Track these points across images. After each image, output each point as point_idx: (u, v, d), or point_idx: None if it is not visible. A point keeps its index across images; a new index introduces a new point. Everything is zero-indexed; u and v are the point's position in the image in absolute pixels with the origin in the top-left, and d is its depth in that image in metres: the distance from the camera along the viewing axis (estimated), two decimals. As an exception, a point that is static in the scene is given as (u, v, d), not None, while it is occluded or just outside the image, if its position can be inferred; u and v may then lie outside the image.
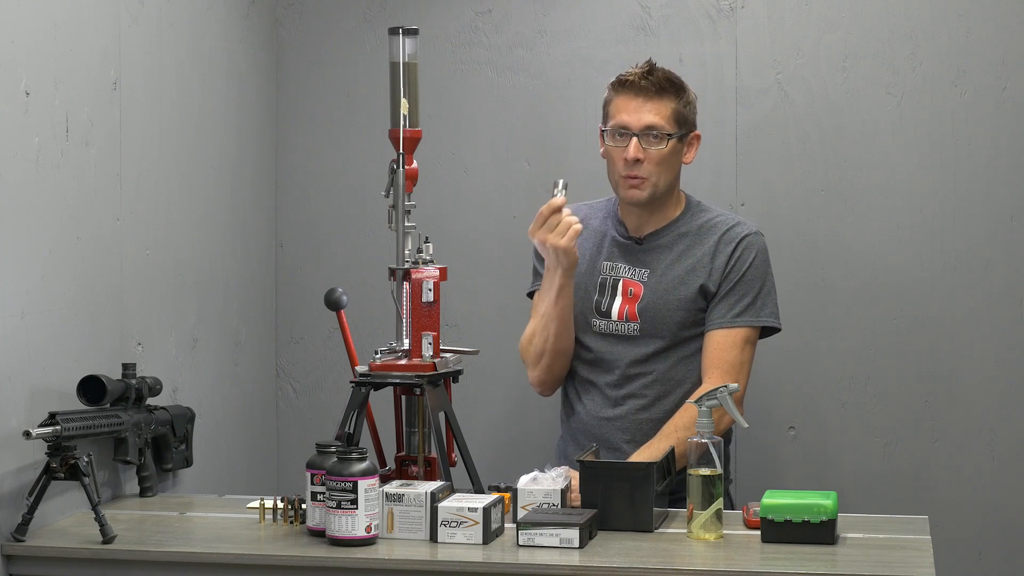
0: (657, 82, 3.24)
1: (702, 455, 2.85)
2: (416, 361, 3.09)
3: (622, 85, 3.26)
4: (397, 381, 3.09)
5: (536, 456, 3.51)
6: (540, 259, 3.37)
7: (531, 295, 3.42)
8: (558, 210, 3.18)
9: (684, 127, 3.26)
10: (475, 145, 4.01)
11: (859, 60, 3.82)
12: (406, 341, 3.11)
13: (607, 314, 3.31)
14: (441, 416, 3.10)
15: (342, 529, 2.77)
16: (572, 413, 3.37)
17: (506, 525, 2.89)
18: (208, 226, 3.70)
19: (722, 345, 3.24)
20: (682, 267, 3.28)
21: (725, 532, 2.86)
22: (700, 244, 3.29)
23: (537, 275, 3.39)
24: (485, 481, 3.14)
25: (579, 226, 3.19)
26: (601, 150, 3.32)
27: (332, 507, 2.78)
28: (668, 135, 3.23)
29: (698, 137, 3.32)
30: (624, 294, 3.30)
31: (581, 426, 3.34)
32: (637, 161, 3.22)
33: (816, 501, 2.79)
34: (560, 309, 3.26)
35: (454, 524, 2.79)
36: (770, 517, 2.80)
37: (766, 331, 3.31)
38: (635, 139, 3.22)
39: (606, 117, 3.29)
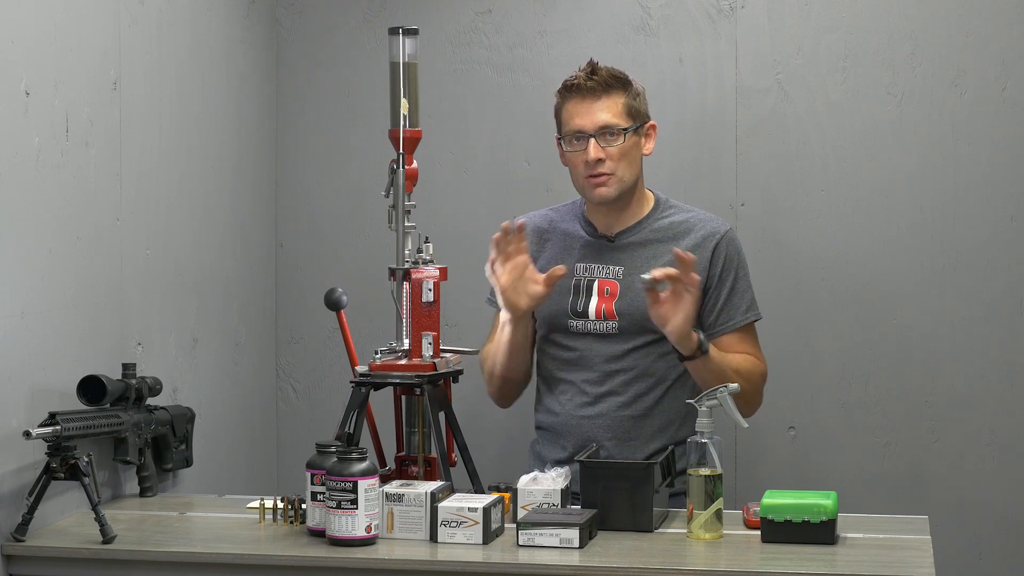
0: (603, 80, 3.25)
1: (702, 455, 2.85)
2: (416, 361, 3.09)
3: (569, 90, 3.27)
4: (397, 381, 3.09)
5: (536, 456, 3.51)
6: None
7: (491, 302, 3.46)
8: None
9: (638, 119, 3.27)
10: (475, 145, 4.01)
11: (859, 60, 3.82)
12: (406, 341, 3.11)
13: (584, 314, 3.30)
14: (441, 416, 3.11)
15: (342, 529, 2.77)
16: (550, 414, 3.36)
17: (506, 525, 2.89)
18: (208, 226, 3.70)
19: (743, 338, 3.29)
20: (659, 265, 3.26)
21: (725, 532, 2.86)
22: (675, 241, 3.28)
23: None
24: (485, 481, 3.14)
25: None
26: (562, 158, 3.33)
27: (332, 507, 2.78)
28: (624, 130, 3.23)
29: (654, 127, 3.32)
30: (600, 293, 3.30)
31: (560, 426, 3.32)
32: (599, 160, 3.23)
33: (816, 501, 2.80)
34: (509, 343, 3.31)
35: (454, 524, 2.79)
36: (770, 517, 2.80)
37: None
38: (592, 140, 3.23)
39: (560, 125, 3.30)
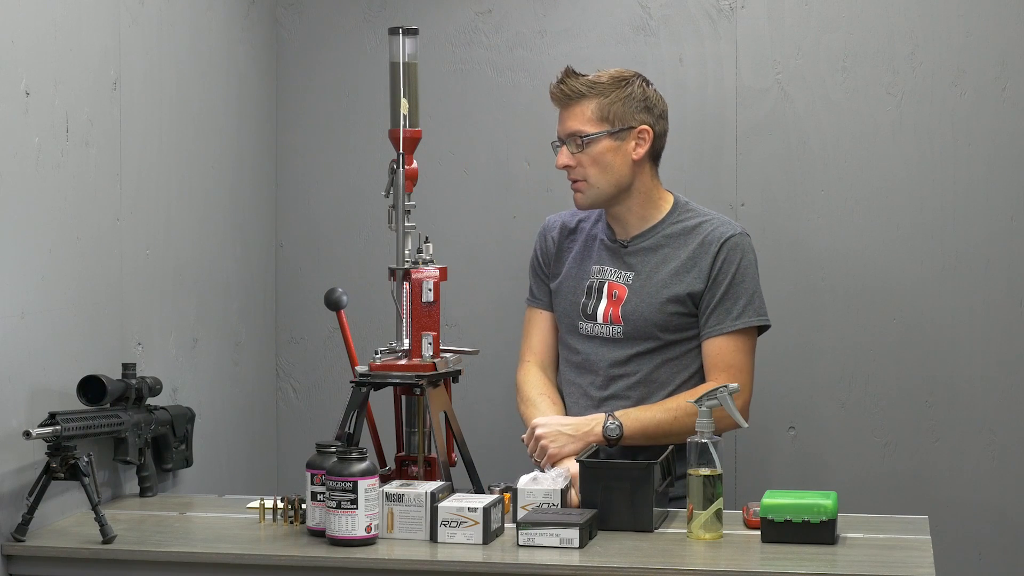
0: (570, 89, 3.23)
1: (702, 455, 2.85)
2: (416, 361, 3.09)
3: (551, 97, 3.28)
4: (397, 381, 3.09)
5: (536, 456, 3.51)
6: (535, 276, 3.42)
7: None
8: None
9: (618, 123, 3.23)
10: (475, 145, 4.01)
11: (859, 60, 3.82)
12: (406, 341, 3.11)
13: (592, 317, 3.30)
14: (441, 416, 3.11)
15: (342, 529, 2.77)
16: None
17: (506, 525, 2.89)
18: (208, 226, 3.70)
19: (724, 350, 3.23)
20: (666, 270, 3.26)
21: (725, 532, 2.86)
22: (684, 247, 3.27)
23: (532, 286, 3.44)
24: (485, 481, 3.14)
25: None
26: None
27: (332, 507, 2.78)
28: (585, 137, 3.21)
29: (646, 131, 3.25)
30: (609, 296, 3.30)
31: None
32: (568, 167, 3.24)
33: (816, 501, 2.80)
34: None
35: (454, 524, 2.79)
36: (770, 517, 2.80)
37: (759, 329, 3.31)
38: (564, 147, 3.25)
39: None
